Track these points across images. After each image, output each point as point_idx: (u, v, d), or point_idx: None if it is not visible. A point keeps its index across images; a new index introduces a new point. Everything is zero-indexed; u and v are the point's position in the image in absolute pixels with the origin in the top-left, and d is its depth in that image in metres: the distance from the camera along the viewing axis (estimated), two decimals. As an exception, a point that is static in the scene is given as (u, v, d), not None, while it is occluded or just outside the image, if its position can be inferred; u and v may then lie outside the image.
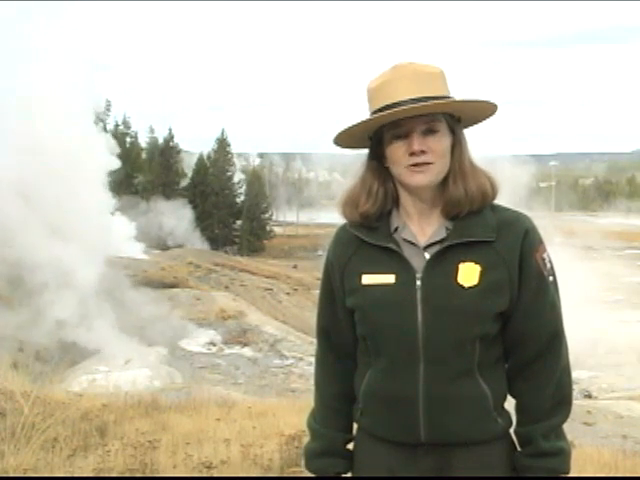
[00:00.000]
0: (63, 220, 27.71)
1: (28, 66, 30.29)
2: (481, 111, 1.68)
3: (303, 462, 1.83)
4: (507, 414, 1.66)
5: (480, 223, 1.62)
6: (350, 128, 1.65)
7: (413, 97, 1.57)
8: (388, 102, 1.59)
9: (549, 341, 1.63)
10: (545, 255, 1.65)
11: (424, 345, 1.58)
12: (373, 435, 1.67)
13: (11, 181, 26.46)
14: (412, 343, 1.59)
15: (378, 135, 1.65)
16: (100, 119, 42.05)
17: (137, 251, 38.71)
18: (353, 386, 1.74)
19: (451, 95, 1.63)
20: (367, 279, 1.64)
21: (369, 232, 1.67)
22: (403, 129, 1.59)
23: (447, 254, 1.60)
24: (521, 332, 1.63)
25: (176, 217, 51.37)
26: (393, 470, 1.64)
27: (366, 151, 1.72)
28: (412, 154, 1.58)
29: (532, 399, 1.64)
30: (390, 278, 1.62)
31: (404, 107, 1.56)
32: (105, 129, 46.69)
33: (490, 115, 1.70)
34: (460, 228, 1.62)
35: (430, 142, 1.59)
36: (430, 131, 1.59)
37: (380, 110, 1.60)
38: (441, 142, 1.60)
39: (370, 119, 1.61)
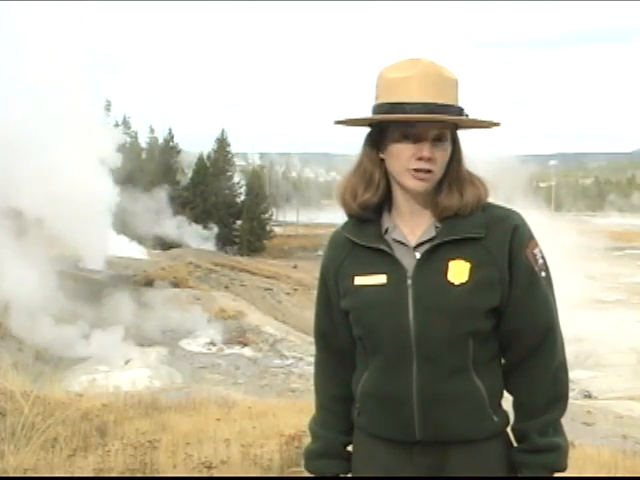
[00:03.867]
0: (64, 219, 27.72)
1: (28, 67, 30.31)
2: (484, 125, 1.69)
3: (303, 463, 1.84)
4: (504, 412, 1.66)
5: (469, 221, 1.63)
6: (360, 119, 1.65)
7: (432, 102, 1.57)
8: (406, 100, 1.58)
9: (543, 337, 1.63)
10: (536, 251, 1.65)
11: (416, 343, 1.59)
12: (370, 434, 1.68)
13: (12, 181, 26.47)
14: (405, 342, 1.60)
15: (381, 125, 1.64)
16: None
17: (136, 251, 38.71)
18: (352, 388, 1.74)
19: (460, 104, 1.63)
20: (359, 280, 1.65)
21: (361, 234, 1.68)
22: (414, 131, 1.58)
23: (437, 252, 1.61)
24: (514, 328, 1.64)
25: (175, 217, 51.37)
26: (390, 468, 1.65)
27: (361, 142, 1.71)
28: (419, 159, 1.59)
29: (527, 395, 1.65)
30: (382, 278, 1.63)
31: (425, 115, 1.55)
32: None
33: (489, 127, 1.71)
34: (449, 226, 1.62)
35: (437, 151, 1.59)
36: (438, 139, 1.60)
37: (396, 104, 1.58)
38: (446, 152, 1.61)
39: (386, 117, 1.59)
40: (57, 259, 27.96)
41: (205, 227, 53.87)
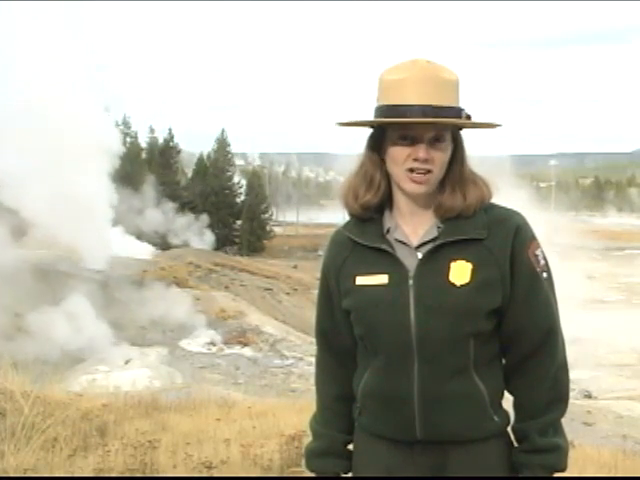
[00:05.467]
0: (64, 218, 27.72)
1: (27, 68, 30.30)
2: (484, 127, 1.69)
3: (304, 462, 1.84)
4: (504, 412, 1.67)
5: (471, 222, 1.63)
6: (359, 122, 1.66)
7: (428, 104, 1.57)
8: (402, 102, 1.58)
9: (544, 338, 1.64)
10: (538, 252, 1.65)
11: (418, 344, 1.59)
12: (371, 434, 1.69)
13: (11, 178, 26.46)
14: (406, 342, 1.60)
15: (381, 126, 1.65)
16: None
17: (136, 251, 38.68)
18: (353, 387, 1.75)
19: (460, 105, 1.63)
20: (361, 280, 1.66)
21: (362, 234, 1.68)
22: (411, 133, 1.59)
23: (439, 253, 1.61)
24: (515, 329, 1.64)
25: (175, 217, 51.34)
26: (391, 468, 1.65)
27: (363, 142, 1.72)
28: (416, 160, 1.59)
29: (528, 395, 1.65)
30: (383, 278, 1.63)
31: (419, 119, 1.56)
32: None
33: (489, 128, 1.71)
34: (451, 227, 1.63)
35: (434, 151, 1.59)
36: (436, 140, 1.60)
37: (392, 107, 1.59)
38: (445, 152, 1.61)
39: (381, 120, 1.61)
40: (57, 259, 27.97)
41: (196, 218, 53.18)
